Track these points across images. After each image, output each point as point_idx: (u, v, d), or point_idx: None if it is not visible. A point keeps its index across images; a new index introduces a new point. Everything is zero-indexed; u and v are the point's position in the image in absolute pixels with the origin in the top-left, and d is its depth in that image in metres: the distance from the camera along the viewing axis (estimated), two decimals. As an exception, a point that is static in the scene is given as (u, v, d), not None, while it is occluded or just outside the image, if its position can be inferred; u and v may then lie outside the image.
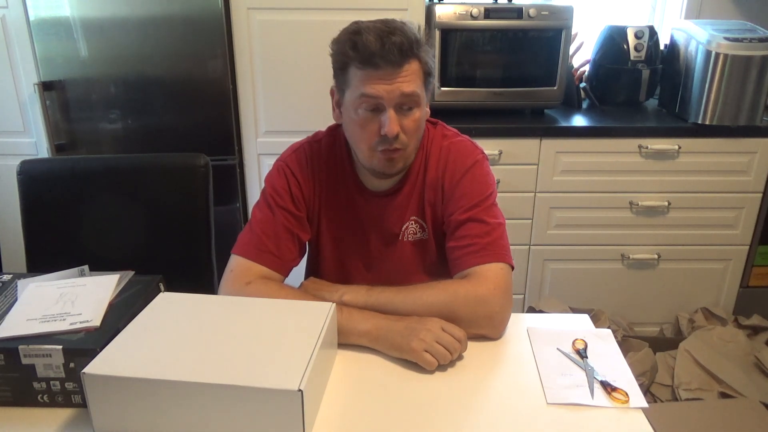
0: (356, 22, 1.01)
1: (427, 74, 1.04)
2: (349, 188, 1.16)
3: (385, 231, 1.17)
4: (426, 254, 1.18)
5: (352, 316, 0.98)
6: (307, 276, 1.26)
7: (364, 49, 0.96)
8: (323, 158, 1.15)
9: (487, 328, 1.00)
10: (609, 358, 0.95)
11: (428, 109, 1.10)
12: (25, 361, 0.82)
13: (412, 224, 1.16)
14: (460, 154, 1.13)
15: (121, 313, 0.90)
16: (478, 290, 1.00)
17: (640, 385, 1.04)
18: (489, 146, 1.93)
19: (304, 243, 1.16)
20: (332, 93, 1.10)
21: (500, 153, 2.01)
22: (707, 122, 2.03)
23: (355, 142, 1.08)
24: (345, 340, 0.98)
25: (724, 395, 1.84)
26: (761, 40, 1.95)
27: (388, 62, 0.96)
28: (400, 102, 1.00)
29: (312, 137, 1.19)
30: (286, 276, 1.12)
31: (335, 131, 1.18)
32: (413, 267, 1.19)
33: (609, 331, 1.02)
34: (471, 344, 0.97)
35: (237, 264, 1.07)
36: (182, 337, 0.83)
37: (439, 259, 1.17)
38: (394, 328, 0.96)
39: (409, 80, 0.99)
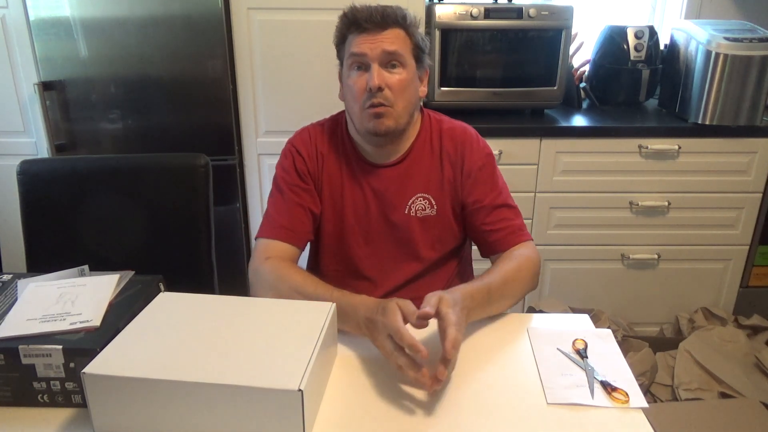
0: None
1: (417, 48, 1.14)
2: (349, 160, 1.21)
3: (385, 203, 1.20)
4: (432, 230, 1.22)
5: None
6: (310, 251, 1.30)
7: (352, 16, 1.11)
8: (326, 134, 1.23)
9: (533, 286, 1.15)
10: (609, 358, 0.95)
11: (424, 88, 1.20)
12: (25, 361, 0.82)
13: (420, 200, 1.20)
14: (475, 138, 1.23)
15: (121, 313, 0.90)
16: (536, 261, 1.15)
17: (640, 385, 1.04)
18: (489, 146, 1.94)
19: (317, 215, 1.21)
20: (339, 74, 1.19)
21: (500, 153, 2.01)
22: (707, 122, 2.03)
23: (350, 105, 1.16)
24: (341, 324, 0.97)
25: (724, 395, 1.84)
26: (761, 40, 1.95)
27: (372, 23, 1.08)
28: (385, 59, 1.10)
29: (316, 122, 1.27)
30: (303, 249, 1.19)
31: (337, 116, 1.27)
32: (416, 241, 1.22)
33: (609, 331, 1.02)
34: (471, 344, 0.97)
35: (258, 245, 1.16)
36: (182, 337, 0.83)
37: (441, 234, 1.23)
38: (356, 315, 0.96)
39: (392, 41, 1.09)
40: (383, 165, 1.20)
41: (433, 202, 1.21)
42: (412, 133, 1.21)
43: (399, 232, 1.21)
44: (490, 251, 1.20)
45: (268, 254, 1.12)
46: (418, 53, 1.14)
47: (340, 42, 1.15)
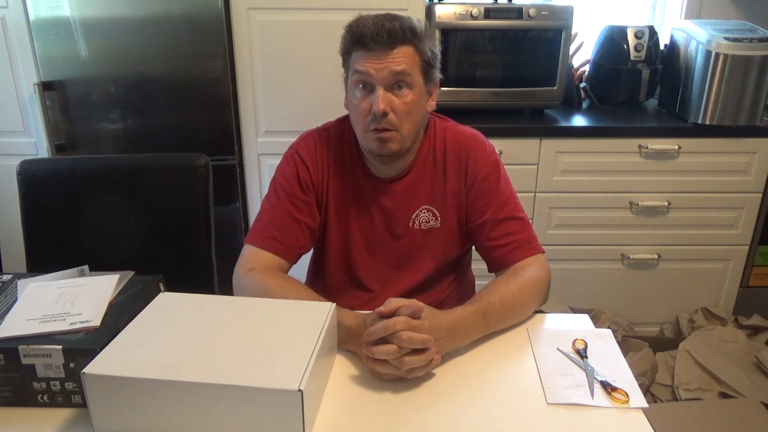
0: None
1: (426, 63, 1.09)
2: (355, 173, 1.18)
3: (390, 216, 1.18)
4: (435, 242, 1.20)
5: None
6: (312, 258, 1.29)
7: (357, 32, 1.04)
8: (332, 144, 1.19)
9: (540, 303, 1.10)
10: (609, 358, 0.95)
11: (433, 102, 1.15)
12: (25, 361, 0.82)
13: (423, 212, 1.18)
14: (481, 146, 1.18)
15: (121, 313, 0.90)
16: (542, 279, 1.09)
17: (640, 385, 1.04)
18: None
19: (314, 229, 1.17)
20: (345, 82, 1.15)
21: (500, 153, 2.01)
22: (707, 122, 2.03)
23: (353, 123, 1.13)
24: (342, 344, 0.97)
25: (724, 395, 1.84)
26: (761, 40, 1.95)
27: (378, 44, 1.02)
28: (391, 81, 1.05)
29: (321, 126, 1.23)
30: (294, 262, 1.16)
31: (344, 121, 1.21)
32: (418, 253, 1.20)
33: (609, 331, 1.02)
34: (471, 344, 0.97)
35: (246, 252, 1.12)
36: (182, 337, 0.83)
37: (445, 247, 1.20)
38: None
39: (399, 61, 1.04)
40: (389, 179, 1.17)
41: (438, 215, 1.18)
42: (417, 145, 1.17)
43: (402, 245, 1.19)
44: (495, 267, 1.15)
45: (253, 265, 1.09)
46: (427, 69, 1.09)
47: (346, 53, 1.09)
